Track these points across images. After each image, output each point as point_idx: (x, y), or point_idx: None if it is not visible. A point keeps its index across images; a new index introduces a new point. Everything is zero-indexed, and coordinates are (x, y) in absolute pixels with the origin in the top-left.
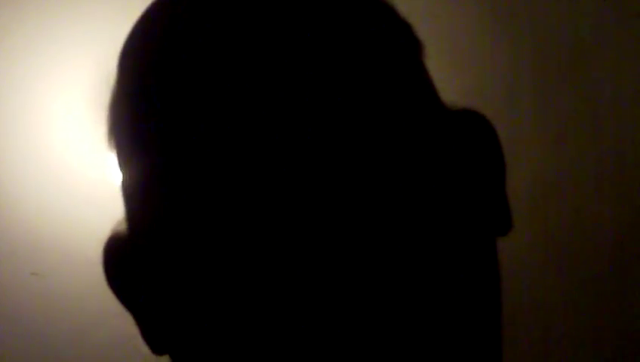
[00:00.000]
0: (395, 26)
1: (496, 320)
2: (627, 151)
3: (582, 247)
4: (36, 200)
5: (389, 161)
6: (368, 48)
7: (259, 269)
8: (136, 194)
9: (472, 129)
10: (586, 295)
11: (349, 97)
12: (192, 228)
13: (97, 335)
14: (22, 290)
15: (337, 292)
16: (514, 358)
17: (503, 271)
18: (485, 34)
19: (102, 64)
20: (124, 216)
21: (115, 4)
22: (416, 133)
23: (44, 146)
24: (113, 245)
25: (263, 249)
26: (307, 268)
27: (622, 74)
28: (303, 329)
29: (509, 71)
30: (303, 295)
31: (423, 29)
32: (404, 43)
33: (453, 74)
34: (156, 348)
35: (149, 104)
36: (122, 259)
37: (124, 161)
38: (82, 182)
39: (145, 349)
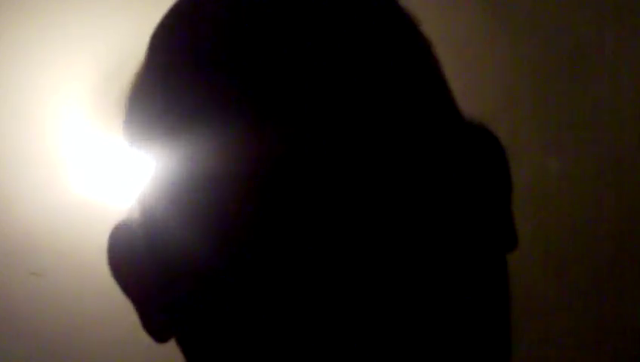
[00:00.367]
0: (407, 26)
1: (505, 324)
2: (626, 151)
3: (582, 247)
4: (35, 201)
5: (401, 168)
6: (382, 49)
7: (262, 261)
8: (153, 186)
9: (482, 146)
10: (586, 295)
11: (364, 101)
12: (203, 220)
13: (95, 334)
14: (21, 290)
15: (346, 302)
16: (514, 358)
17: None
18: (485, 34)
19: (101, 62)
20: (132, 207)
21: (115, 4)
22: (427, 143)
23: (43, 146)
24: (119, 234)
25: (269, 242)
26: (314, 268)
27: (622, 74)
28: (307, 324)
29: (509, 71)
30: (308, 293)
31: (423, 29)
32: (417, 42)
33: (453, 74)
34: (157, 336)
35: (171, 102)
36: (127, 248)
37: (144, 149)
38: (81, 182)
39: (143, 348)
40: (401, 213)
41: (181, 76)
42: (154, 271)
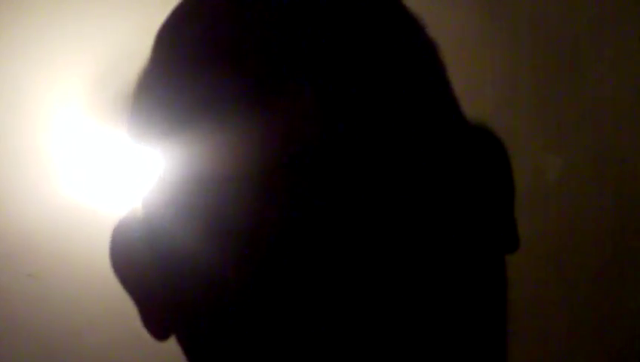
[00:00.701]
0: (412, 27)
1: (501, 326)
2: (626, 151)
3: (582, 247)
4: (32, 201)
5: (404, 169)
6: (387, 51)
7: (262, 260)
8: (154, 184)
9: (485, 148)
10: (586, 294)
11: (368, 102)
12: (203, 218)
13: (93, 336)
14: (18, 292)
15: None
16: (514, 358)
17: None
18: (485, 34)
19: (98, 62)
20: (134, 205)
21: (113, 4)
22: (431, 145)
23: (42, 147)
24: (120, 231)
25: (270, 241)
26: (313, 267)
27: (621, 74)
28: (306, 322)
29: (509, 71)
30: (308, 292)
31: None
32: (423, 44)
33: (453, 74)
34: (157, 334)
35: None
36: (128, 244)
37: (150, 144)
38: (80, 182)
39: (140, 350)
40: (404, 214)
41: (185, 74)
42: (154, 268)
